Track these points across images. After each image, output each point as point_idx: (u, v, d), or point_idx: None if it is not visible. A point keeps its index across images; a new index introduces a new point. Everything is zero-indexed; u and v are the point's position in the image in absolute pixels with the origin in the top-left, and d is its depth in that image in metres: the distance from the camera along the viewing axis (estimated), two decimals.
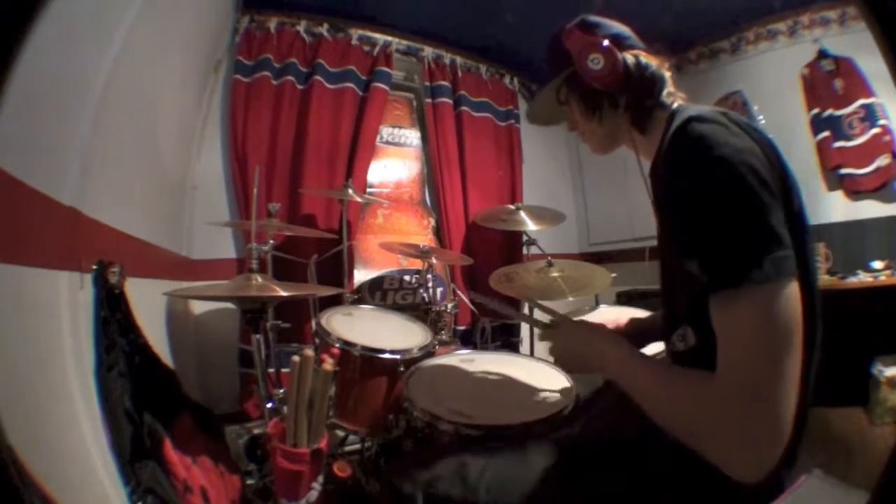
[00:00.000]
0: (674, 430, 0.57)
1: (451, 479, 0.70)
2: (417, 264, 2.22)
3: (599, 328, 0.78)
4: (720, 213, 0.54)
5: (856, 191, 2.18)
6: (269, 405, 1.31)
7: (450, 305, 1.86)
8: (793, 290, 0.52)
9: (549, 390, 1.07)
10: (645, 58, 0.75)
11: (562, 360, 0.83)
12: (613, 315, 1.05)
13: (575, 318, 0.86)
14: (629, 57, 0.74)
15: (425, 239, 2.67)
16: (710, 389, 0.54)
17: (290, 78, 2.25)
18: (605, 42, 0.74)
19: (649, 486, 0.64)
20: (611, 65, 0.73)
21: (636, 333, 0.92)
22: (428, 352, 1.38)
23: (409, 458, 0.83)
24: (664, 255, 0.69)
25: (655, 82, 0.74)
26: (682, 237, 0.60)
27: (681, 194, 0.59)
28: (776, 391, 0.50)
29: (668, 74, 0.76)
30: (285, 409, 0.91)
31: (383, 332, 1.46)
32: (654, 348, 0.89)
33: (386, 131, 2.67)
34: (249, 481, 1.26)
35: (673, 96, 0.75)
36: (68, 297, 0.82)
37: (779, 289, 0.51)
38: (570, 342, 0.79)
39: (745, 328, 0.52)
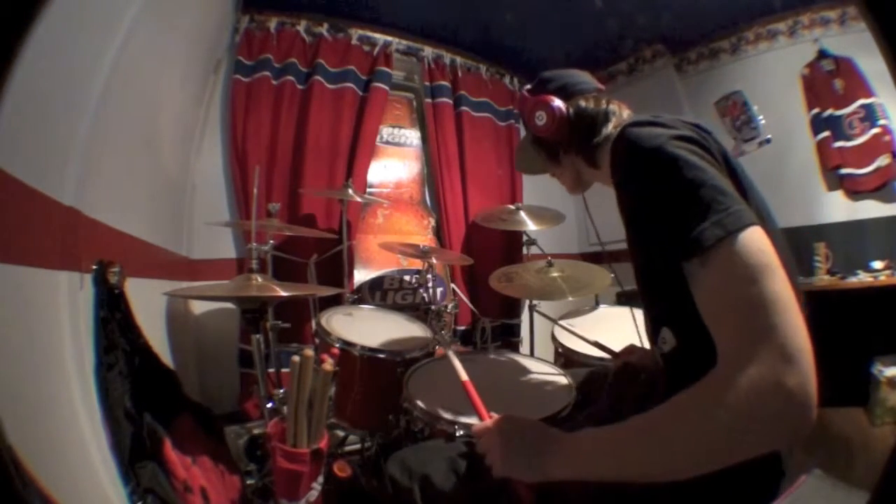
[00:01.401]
0: (702, 463, 0.48)
1: (446, 473, 0.73)
2: (417, 264, 2.22)
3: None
4: (664, 196, 0.54)
5: (856, 191, 2.18)
6: (269, 405, 1.31)
7: (450, 305, 1.86)
8: (753, 234, 0.50)
9: (549, 390, 1.08)
10: (585, 102, 0.81)
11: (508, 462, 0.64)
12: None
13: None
14: (572, 106, 0.82)
15: (425, 239, 2.67)
16: (716, 381, 0.47)
17: (290, 78, 2.25)
18: (548, 98, 0.83)
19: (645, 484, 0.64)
20: (551, 118, 0.82)
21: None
22: (428, 352, 1.38)
23: (408, 452, 0.83)
24: (635, 264, 0.70)
25: (596, 122, 0.80)
26: (644, 236, 0.60)
27: (627, 195, 0.61)
28: (781, 328, 0.45)
29: (615, 108, 0.81)
30: (285, 409, 0.91)
31: (383, 332, 1.47)
32: None
33: (386, 131, 2.67)
34: (249, 481, 1.26)
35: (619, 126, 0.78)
36: (68, 297, 0.82)
37: (738, 238, 0.49)
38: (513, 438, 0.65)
39: (720, 289, 0.50)
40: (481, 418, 0.74)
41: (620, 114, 0.80)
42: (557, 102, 0.82)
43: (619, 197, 0.65)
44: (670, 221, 0.53)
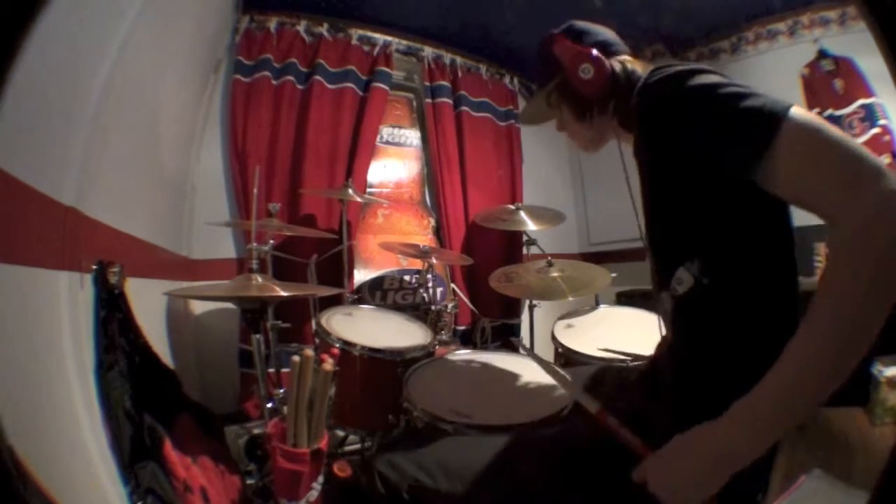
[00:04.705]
0: (877, 322, 0.50)
1: (434, 471, 0.73)
2: (417, 264, 2.22)
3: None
4: (719, 108, 0.55)
5: None
6: (269, 405, 1.31)
7: (450, 305, 1.86)
8: (800, 108, 0.52)
9: (549, 391, 1.07)
10: (630, 64, 0.78)
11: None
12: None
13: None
14: (616, 65, 0.77)
15: (425, 239, 2.67)
16: (853, 236, 0.48)
17: (291, 78, 2.25)
18: (595, 52, 0.78)
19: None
20: (600, 74, 0.77)
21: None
22: (428, 352, 1.38)
23: (397, 449, 0.83)
24: (651, 209, 0.70)
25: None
26: (696, 157, 0.60)
27: (670, 125, 0.61)
28: (877, 165, 0.48)
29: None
30: (285, 409, 0.91)
31: (383, 332, 1.47)
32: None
33: (386, 131, 2.67)
34: (249, 481, 1.26)
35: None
36: (68, 297, 0.82)
37: (796, 109, 0.51)
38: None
39: (813, 148, 0.50)
40: (635, 450, 0.62)
41: None
42: (605, 59, 0.78)
43: (647, 139, 0.65)
44: (731, 125, 0.54)
